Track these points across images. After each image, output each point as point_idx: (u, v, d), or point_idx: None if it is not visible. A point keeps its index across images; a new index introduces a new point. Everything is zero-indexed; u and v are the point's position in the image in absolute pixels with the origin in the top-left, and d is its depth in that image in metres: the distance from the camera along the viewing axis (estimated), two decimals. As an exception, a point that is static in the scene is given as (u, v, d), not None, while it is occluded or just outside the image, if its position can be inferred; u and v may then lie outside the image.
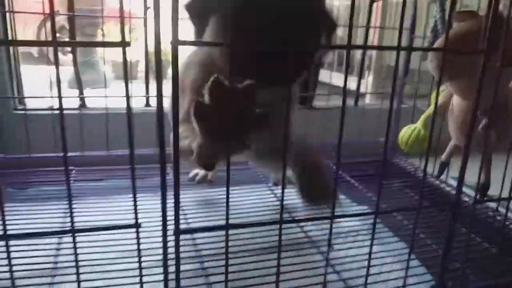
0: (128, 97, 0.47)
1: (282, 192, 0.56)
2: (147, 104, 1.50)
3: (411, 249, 0.70)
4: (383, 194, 1.16)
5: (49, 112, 1.23)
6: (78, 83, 1.38)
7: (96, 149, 1.24)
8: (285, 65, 0.48)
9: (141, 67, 4.15)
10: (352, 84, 2.32)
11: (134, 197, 0.51)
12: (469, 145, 0.61)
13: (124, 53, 0.45)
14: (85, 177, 1.18)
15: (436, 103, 0.65)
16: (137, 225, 0.51)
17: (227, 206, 0.50)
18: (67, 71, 3.54)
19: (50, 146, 1.17)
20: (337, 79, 1.66)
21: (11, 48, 1.29)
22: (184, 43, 0.43)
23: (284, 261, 0.68)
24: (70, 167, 1.20)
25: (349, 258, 0.90)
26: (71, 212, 0.50)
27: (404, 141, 1.26)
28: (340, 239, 1.02)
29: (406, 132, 1.27)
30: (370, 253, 0.66)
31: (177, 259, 0.50)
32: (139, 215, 0.52)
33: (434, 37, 1.17)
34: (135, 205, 0.51)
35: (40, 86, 1.28)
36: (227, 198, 0.50)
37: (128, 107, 0.47)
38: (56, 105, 1.17)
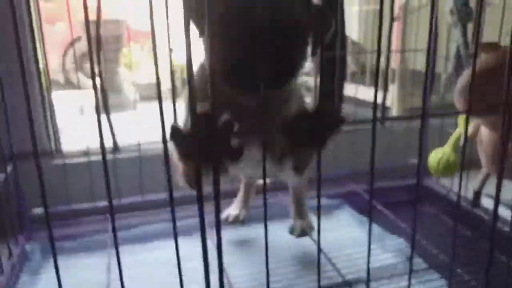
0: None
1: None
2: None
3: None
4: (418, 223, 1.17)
5: (85, 159, 1.27)
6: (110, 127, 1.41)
7: (127, 193, 1.28)
8: (268, 70, 0.50)
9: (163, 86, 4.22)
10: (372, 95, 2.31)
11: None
12: (501, 177, 0.61)
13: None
14: (120, 224, 1.22)
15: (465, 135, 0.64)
16: None
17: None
18: (92, 95, 3.66)
19: (84, 193, 1.23)
20: (360, 92, 1.65)
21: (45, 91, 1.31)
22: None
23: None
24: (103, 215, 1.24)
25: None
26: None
27: (433, 167, 1.25)
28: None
29: (435, 158, 1.26)
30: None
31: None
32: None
33: (457, 62, 1.15)
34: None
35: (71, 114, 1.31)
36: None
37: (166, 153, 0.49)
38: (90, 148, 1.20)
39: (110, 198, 0.50)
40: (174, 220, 0.51)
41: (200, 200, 0.48)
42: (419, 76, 2.02)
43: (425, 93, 0.64)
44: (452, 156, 1.24)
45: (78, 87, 1.25)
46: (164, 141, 0.48)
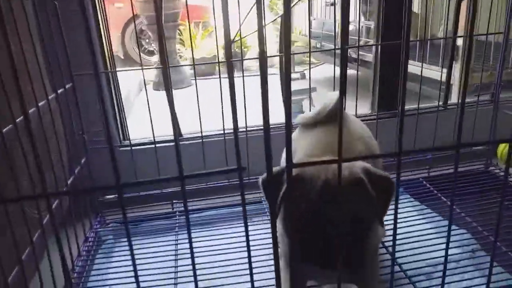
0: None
1: None
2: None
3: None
4: (483, 215, 1.13)
5: (152, 146, 1.32)
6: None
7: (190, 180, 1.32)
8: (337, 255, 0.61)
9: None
10: (436, 74, 2.19)
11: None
12: None
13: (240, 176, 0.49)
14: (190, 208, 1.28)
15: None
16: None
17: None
18: (151, 72, 3.76)
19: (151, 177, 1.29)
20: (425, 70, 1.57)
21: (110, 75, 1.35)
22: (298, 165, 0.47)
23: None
24: (174, 201, 1.31)
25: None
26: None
27: (504, 157, 1.19)
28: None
29: (505, 147, 1.19)
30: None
31: None
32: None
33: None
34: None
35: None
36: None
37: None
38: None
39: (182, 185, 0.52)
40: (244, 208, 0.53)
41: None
42: (480, 49, 1.87)
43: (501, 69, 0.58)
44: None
45: (140, 63, 1.27)
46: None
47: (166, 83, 0.49)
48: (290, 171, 0.49)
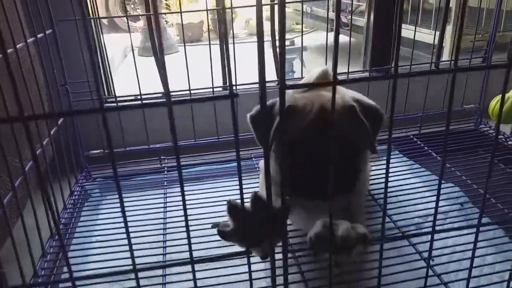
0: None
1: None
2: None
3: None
4: (472, 170, 1.13)
5: (138, 102, 1.28)
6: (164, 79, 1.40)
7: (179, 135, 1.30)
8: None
9: (205, 27, 4.18)
10: (428, 37, 2.16)
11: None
12: None
13: (232, 103, 0.46)
14: (173, 165, 1.26)
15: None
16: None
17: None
18: (137, 38, 3.66)
19: (138, 136, 1.26)
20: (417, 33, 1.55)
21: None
22: (292, 87, 0.45)
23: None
24: (162, 157, 1.28)
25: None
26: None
27: (495, 113, 1.18)
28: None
29: (497, 103, 1.19)
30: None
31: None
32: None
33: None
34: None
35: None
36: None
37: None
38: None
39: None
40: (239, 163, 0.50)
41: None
42: (473, 14, 1.85)
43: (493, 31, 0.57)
44: (517, 101, 1.16)
45: (127, 29, 1.21)
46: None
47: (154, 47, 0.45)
48: (283, 93, 0.46)
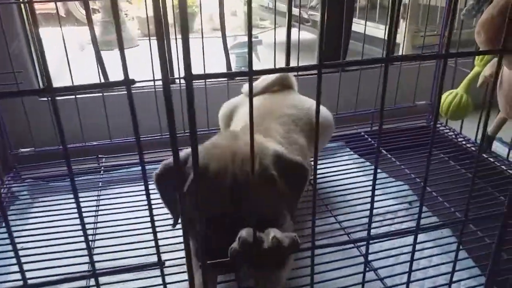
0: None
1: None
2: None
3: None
4: (422, 168, 1.11)
5: (73, 96, 1.19)
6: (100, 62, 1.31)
7: (118, 133, 1.22)
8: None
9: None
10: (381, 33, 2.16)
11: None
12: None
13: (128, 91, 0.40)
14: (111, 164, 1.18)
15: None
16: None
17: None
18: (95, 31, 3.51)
19: (74, 131, 1.17)
20: (373, 29, 1.53)
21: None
22: (199, 77, 0.40)
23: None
24: (99, 155, 1.20)
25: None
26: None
27: (445, 108, 1.17)
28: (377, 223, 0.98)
29: (447, 99, 1.17)
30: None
31: None
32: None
33: (478, 3, 1.01)
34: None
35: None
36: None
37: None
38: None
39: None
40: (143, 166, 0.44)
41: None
42: (430, 12, 1.85)
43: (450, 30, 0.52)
44: (465, 96, 1.15)
45: (80, 22, 1.13)
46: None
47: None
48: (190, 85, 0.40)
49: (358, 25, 1.61)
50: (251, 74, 0.42)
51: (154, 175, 0.68)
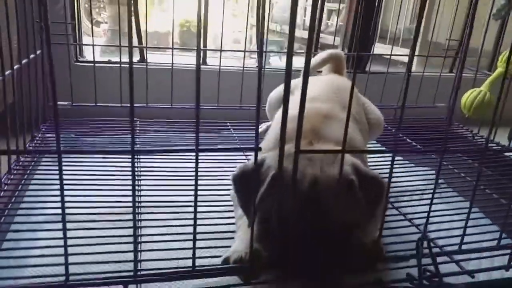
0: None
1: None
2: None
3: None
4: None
5: (108, 64, 1.22)
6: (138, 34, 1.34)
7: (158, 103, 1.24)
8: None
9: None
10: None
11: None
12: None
13: None
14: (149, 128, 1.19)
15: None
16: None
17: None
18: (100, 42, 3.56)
19: (110, 97, 1.18)
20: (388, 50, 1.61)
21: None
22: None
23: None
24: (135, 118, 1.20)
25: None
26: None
27: (467, 105, 1.23)
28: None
29: (470, 96, 1.23)
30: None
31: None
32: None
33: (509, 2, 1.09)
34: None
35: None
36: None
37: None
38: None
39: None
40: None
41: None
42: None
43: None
44: (488, 94, 1.21)
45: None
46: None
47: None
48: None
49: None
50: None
51: (232, 176, 0.67)
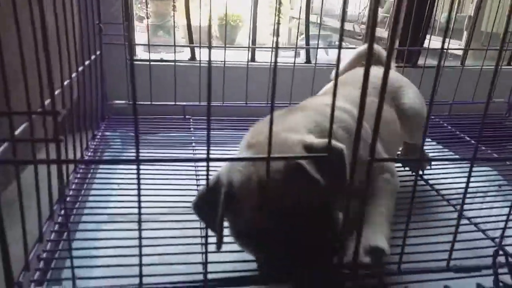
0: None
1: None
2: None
3: None
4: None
5: (160, 63, 1.24)
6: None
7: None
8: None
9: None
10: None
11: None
12: None
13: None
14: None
15: None
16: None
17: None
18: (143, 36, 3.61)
19: (161, 95, 1.20)
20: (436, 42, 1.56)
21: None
22: None
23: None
24: (187, 116, 1.22)
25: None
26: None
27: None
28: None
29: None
30: None
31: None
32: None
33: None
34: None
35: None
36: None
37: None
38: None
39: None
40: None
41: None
42: None
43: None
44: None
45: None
46: None
47: None
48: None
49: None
50: None
51: (192, 204, 0.65)
